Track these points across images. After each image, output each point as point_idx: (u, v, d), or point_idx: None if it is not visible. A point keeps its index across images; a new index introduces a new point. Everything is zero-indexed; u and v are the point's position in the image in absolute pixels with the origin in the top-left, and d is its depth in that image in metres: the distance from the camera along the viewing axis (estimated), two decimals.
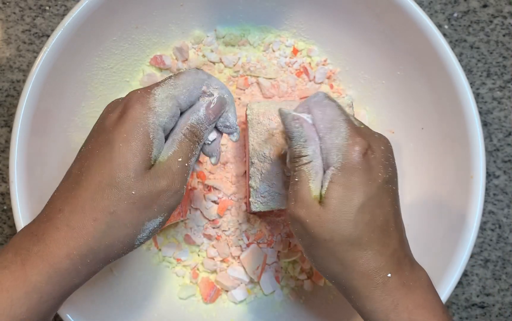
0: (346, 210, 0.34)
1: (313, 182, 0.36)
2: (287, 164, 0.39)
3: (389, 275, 0.35)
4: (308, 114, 0.36)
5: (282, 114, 0.37)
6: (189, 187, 0.51)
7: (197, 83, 0.36)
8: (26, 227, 0.35)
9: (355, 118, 0.39)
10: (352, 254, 0.35)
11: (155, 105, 0.34)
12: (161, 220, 0.35)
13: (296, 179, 0.36)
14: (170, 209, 0.35)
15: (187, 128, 0.35)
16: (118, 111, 0.34)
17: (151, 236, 0.35)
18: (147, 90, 0.35)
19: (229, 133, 0.38)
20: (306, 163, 0.36)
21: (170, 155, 0.34)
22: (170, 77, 0.36)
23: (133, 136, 0.33)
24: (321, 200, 0.35)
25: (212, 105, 0.36)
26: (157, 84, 0.35)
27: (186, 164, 0.35)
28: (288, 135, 0.37)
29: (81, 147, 0.36)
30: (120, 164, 0.33)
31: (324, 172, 0.36)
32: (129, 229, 0.33)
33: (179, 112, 0.36)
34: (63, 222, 0.33)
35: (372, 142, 0.36)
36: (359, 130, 0.36)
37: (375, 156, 0.36)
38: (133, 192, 0.33)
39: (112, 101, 0.37)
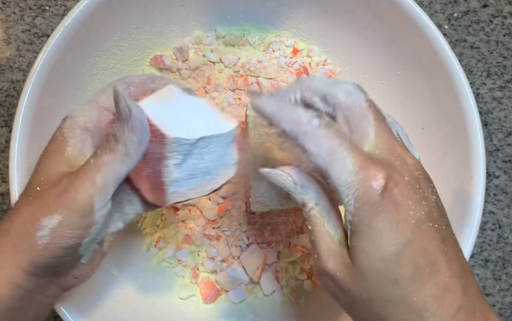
0: (379, 265, 0.27)
1: (328, 223, 0.30)
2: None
3: None
4: (289, 168, 0.32)
5: (266, 175, 0.33)
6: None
7: (118, 82, 0.38)
8: None
9: (382, 120, 0.31)
10: (401, 317, 0.28)
11: (73, 113, 0.36)
12: (58, 218, 0.32)
13: (310, 227, 0.31)
14: (67, 207, 0.32)
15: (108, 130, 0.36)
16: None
17: (55, 240, 0.32)
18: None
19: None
20: (312, 207, 0.31)
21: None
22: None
23: (50, 143, 0.36)
24: (349, 246, 0.29)
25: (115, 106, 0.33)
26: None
27: (95, 164, 0.33)
28: (282, 189, 0.33)
29: None
30: (36, 169, 0.35)
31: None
32: (27, 225, 0.32)
33: (111, 115, 0.36)
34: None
35: (392, 169, 0.29)
36: (371, 158, 0.29)
37: (401, 187, 0.28)
38: (38, 188, 0.34)
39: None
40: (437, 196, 0.30)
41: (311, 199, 0.31)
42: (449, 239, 0.29)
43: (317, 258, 0.30)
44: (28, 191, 0.34)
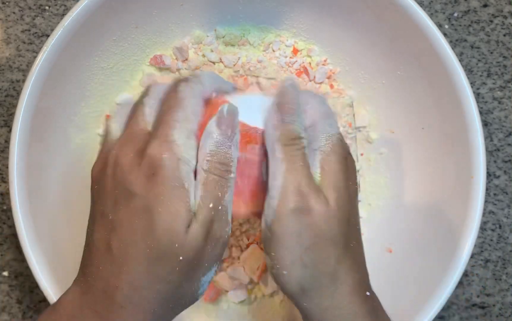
0: (344, 204, 0.33)
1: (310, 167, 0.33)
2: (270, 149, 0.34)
3: (368, 293, 0.34)
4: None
5: (281, 88, 0.35)
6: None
7: (198, 98, 0.33)
8: (76, 298, 0.32)
9: None
10: (344, 261, 0.33)
11: (181, 151, 0.30)
12: (215, 269, 0.33)
13: (300, 163, 0.32)
14: (219, 256, 0.32)
15: (207, 161, 0.31)
16: (145, 171, 0.30)
17: (210, 281, 0.34)
18: (165, 138, 0.31)
19: None
20: (304, 146, 0.33)
21: (199, 204, 0.31)
22: (173, 108, 0.32)
23: (169, 196, 0.30)
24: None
25: (222, 119, 0.32)
26: (167, 124, 0.31)
27: (220, 206, 0.31)
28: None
29: (96, 212, 0.33)
30: (163, 230, 0.30)
31: None
32: (186, 289, 0.32)
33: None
34: (124, 300, 0.30)
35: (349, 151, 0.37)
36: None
37: (352, 164, 0.36)
38: (180, 258, 0.30)
39: (129, 158, 0.32)
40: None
41: (303, 138, 0.34)
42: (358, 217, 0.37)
43: (295, 201, 0.32)
44: (169, 261, 0.30)
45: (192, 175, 0.31)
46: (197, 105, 0.33)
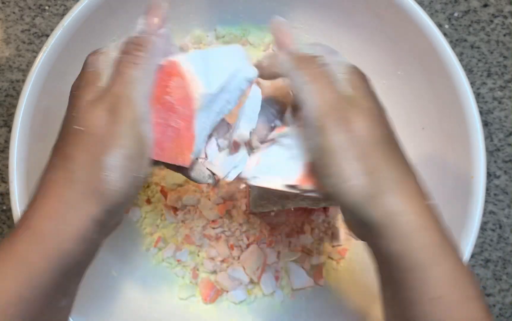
0: (370, 110, 0.33)
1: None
2: (289, 84, 0.34)
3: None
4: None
5: (274, 27, 0.35)
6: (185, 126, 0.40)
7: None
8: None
9: None
10: (398, 156, 0.34)
11: (107, 50, 0.34)
12: (121, 152, 0.30)
13: (324, 78, 0.32)
14: (123, 137, 0.30)
15: (123, 42, 0.33)
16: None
17: (127, 177, 0.30)
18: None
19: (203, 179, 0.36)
20: (323, 64, 0.33)
21: (108, 81, 0.32)
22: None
23: (82, 78, 0.33)
24: None
25: (149, 9, 0.34)
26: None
27: (126, 80, 0.31)
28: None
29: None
30: (70, 105, 0.33)
31: None
32: (91, 171, 0.30)
33: None
34: (40, 183, 0.32)
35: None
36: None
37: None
38: (81, 128, 0.31)
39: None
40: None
41: (321, 55, 0.34)
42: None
43: (334, 117, 0.32)
44: (70, 134, 0.31)
45: (109, 68, 0.32)
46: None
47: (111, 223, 0.32)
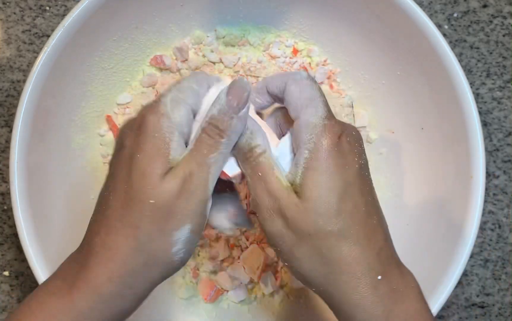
0: (328, 198, 0.32)
1: (278, 171, 0.33)
2: (242, 169, 0.36)
3: (379, 277, 0.32)
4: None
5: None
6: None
7: (200, 81, 0.35)
8: (72, 254, 0.35)
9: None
10: (338, 251, 0.32)
11: (166, 110, 0.32)
12: (189, 227, 0.32)
13: (259, 174, 0.33)
14: (193, 214, 0.32)
15: (206, 121, 0.33)
16: (135, 128, 0.33)
17: (189, 249, 0.33)
18: (156, 99, 0.34)
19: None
20: (261, 153, 0.34)
21: (185, 155, 0.32)
22: (173, 83, 0.35)
23: (148, 144, 0.32)
24: (297, 189, 0.33)
25: (232, 89, 0.33)
26: (164, 91, 0.34)
27: (203, 164, 0.32)
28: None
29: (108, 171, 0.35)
30: (138, 174, 0.31)
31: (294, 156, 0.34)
32: (158, 242, 0.32)
33: (192, 116, 0.34)
34: (100, 244, 0.32)
35: (344, 127, 0.34)
36: (333, 114, 0.35)
37: (349, 141, 0.33)
38: (151, 201, 0.31)
39: (127, 122, 0.35)
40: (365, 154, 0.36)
41: (258, 144, 0.34)
42: (374, 189, 0.35)
43: (268, 202, 0.33)
44: (138, 204, 0.31)
45: (177, 133, 0.32)
46: (200, 88, 0.35)
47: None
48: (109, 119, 0.51)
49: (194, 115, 0.35)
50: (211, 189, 0.33)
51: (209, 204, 0.33)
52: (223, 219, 0.38)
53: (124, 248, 0.32)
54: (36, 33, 0.54)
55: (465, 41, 0.55)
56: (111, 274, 0.31)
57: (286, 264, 0.34)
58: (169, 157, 0.32)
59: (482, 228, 0.55)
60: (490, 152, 0.55)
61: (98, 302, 0.31)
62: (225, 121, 0.33)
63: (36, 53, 0.54)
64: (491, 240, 0.55)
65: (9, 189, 0.43)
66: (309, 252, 0.32)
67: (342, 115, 0.53)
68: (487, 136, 0.55)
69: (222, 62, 0.53)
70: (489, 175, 0.55)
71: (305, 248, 0.32)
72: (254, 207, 0.34)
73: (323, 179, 0.32)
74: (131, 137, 0.33)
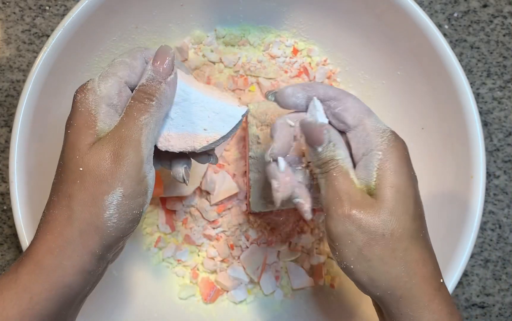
0: (405, 199, 0.33)
1: (353, 174, 0.34)
2: (313, 171, 0.38)
3: (442, 280, 0.33)
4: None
5: (305, 125, 0.36)
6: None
7: (134, 53, 0.36)
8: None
9: None
10: (413, 253, 0.32)
11: (93, 85, 0.34)
12: (121, 191, 0.32)
13: (334, 174, 0.34)
14: (125, 177, 0.32)
15: (136, 90, 0.34)
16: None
17: (124, 215, 0.33)
18: (88, 80, 0.35)
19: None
20: (340, 159, 0.35)
21: (116, 124, 0.33)
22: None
23: (76, 119, 0.33)
24: (371, 191, 0.34)
25: (156, 56, 0.35)
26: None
27: (134, 123, 0.33)
28: (314, 144, 0.35)
29: None
30: (68, 147, 0.33)
31: (355, 165, 0.35)
32: (90, 209, 0.32)
33: (127, 87, 0.35)
34: (42, 220, 0.33)
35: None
36: None
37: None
38: (80, 169, 0.32)
39: None
40: None
41: (340, 156, 0.35)
42: None
43: (340, 204, 0.33)
44: (69, 174, 0.33)
45: (104, 106, 0.34)
46: (134, 60, 0.36)
47: (110, 255, 0.34)
48: None
49: (132, 89, 0.35)
50: (146, 153, 0.33)
51: (145, 167, 0.33)
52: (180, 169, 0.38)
53: (60, 218, 0.32)
54: (36, 33, 0.54)
55: (465, 41, 0.55)
56: (49, 245, 0.32)
57: (347, 266, 0.34)
58: (96, 128, 0.33)
59: (482, 228, 0.55)
60: (490, 152, 0.55)
61: (39, 274, 0.32)
62: (154, 86, 0.34)
63: (36, 53, 0.54)
64: (491, 240, 0.55)
65: (8, 189, 0.43)
66: (381, 252, 0.32)
67: None
68: (488, 136, 0.55)
69: (222, 62, 0.53)
70: (489, 175, 0.55)
71: (378, 248, 0.32)
72: (324, 206, 0.35)
73: (399, 181, 0.33)
74: (67, 118, 0.35)
